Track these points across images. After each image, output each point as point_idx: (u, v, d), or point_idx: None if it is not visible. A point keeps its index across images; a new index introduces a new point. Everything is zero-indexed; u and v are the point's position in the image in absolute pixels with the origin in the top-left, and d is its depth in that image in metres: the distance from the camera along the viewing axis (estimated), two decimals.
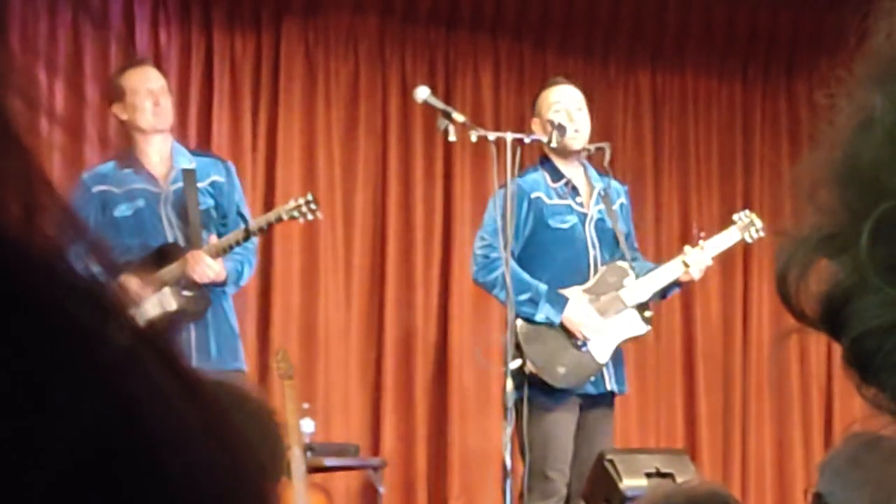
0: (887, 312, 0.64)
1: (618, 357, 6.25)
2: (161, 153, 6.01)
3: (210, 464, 0.48)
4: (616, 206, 6.34)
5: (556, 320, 6.10)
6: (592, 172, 6.35)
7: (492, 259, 6.07)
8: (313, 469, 6.42)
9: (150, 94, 5.92)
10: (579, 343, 6.13)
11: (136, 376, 0.47)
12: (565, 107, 6.21)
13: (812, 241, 0.66)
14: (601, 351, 6.17)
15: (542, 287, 6.09)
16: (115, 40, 7.44)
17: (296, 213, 6.04)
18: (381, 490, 7.02)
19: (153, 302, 5.76)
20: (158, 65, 7.38)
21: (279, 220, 6.05)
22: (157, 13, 7.60)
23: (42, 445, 0.44)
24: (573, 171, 6.27)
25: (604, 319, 6.18)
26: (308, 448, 6.38)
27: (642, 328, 6.32)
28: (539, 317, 6.09)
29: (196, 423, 0.48)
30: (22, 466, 0.44)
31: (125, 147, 6.03)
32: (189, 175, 5.99)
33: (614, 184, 6.45)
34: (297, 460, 5.98)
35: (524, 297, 6.06)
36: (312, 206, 6.05)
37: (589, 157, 6.38)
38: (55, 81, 7.25)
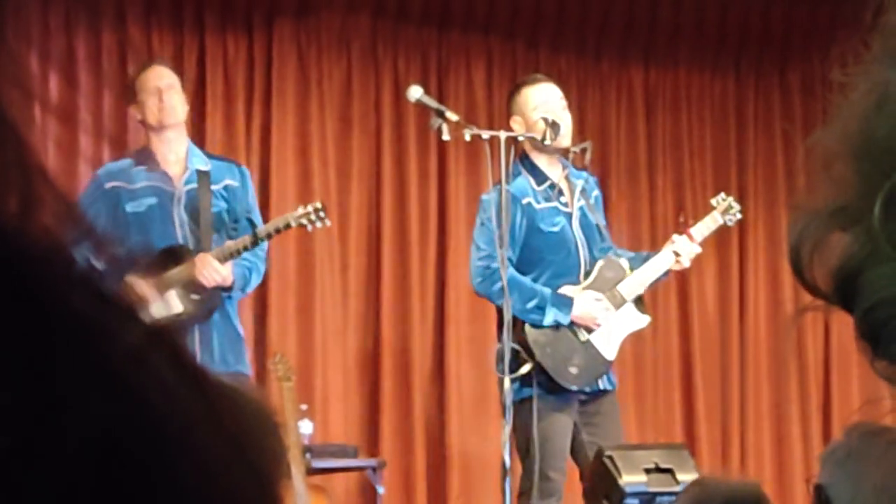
0: None
1: None
2: (177, 153, 6.08)
3: (222, 462, 0.48)
4: (592, 200, 6.36)
5: (565, 321, 6.09)
6: (571, 169, 6.35)
7: (493, 270, 6.01)
8: (312, 470, 6.41)
9: (155, 91, 6.03)
10: (584, 338, 6.13)
11: (145, 374, 0.46)
12: (552, 107, 6.20)
13: (825, 213, 0.66)
14: (609, 348, 6.20)
15: (547, 291, 6.08)
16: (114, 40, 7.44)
17: (304, 221, 6.07)
18: (381, 490, 7.01)
19: (159, 303, 5.73)
20: None
21: (287, 226, 6.07)
22: (150, 16, 7.60)
23: (49, 444, 0.44)
24: (554, 170, 6.26)
25: (613, 309, 6.19)
26: (307, 449, 6.37)
27: (643, 320, 6.35)
28: (546, 321, 6.08)
29: (206, 421, 0.48)
30: (30, 466, 0.43)
31: (143, 146, 6.14)
32: (203, 177, 6.04)
33: (590, 178, 6.48)
34: (296, 462, 5.97)
35: (531, 304, 6.05)
36: (321, 214, 6.10)
37: (566, 155, 6.38)
38: (49, 74, 7.29)
